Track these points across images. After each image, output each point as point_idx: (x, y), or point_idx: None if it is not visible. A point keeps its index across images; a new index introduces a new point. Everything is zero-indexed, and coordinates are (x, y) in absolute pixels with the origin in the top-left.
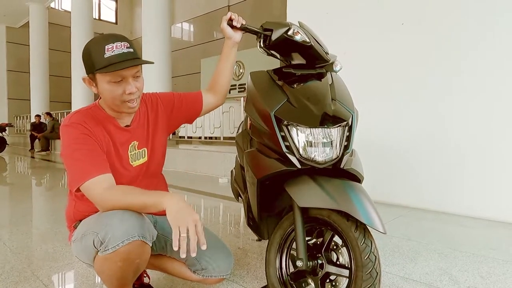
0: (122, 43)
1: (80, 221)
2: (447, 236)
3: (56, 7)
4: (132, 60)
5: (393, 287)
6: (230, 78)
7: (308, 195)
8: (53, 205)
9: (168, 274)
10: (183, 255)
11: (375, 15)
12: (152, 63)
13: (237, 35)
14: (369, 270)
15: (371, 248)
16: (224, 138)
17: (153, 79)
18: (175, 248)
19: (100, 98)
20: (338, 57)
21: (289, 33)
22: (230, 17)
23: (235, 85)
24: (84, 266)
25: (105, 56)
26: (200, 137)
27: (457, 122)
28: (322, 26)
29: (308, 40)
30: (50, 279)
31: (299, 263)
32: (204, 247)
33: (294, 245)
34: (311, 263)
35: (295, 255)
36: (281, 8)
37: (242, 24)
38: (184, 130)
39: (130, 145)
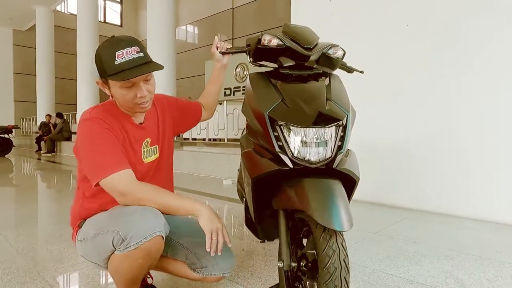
0: (132, 48)
1: (85, 219)
2: (453, 239)
3: (62, 10)
4: (142, 67)
5: None
6: (217, 98)
7: (283, 198)
8: (59, 207)
9: (169, 274)
10: (213, 254)
11: (380, 16)
12: (162, 68)
13: (225, 59)
14: (331, 276)
15: (339, 255)
16: (228, 139)
17: (158, 81)
18: (208, 249)
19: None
20: (337, 43)
21: (263, 43)
22: (216, 44)
23: (239, 87)
24: (89, 267)
25: (116, 63)
26: (204, 139)
27: (463, 124)
28: (326, 27)
29: (281, 42)
30: (56, 280)
31: (279, 264)
32: (229, 245)
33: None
34: (294, 264)
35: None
36: (285, 10)
37: (226, 48)
38: (189, 132)
39: (144, 142)
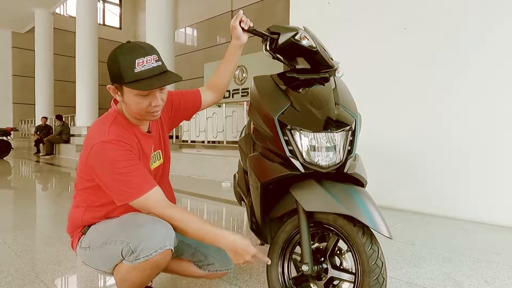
0: (152, 56)
1: (88, 226)
2: (451, 241)
3: (61, 13)
4: (161, 78)
5: None
6: (231, 78)
7: (314, 199)
8: (57, 209)
9: (170, 274)
10: None
11: (377, 19)
12: (181, 79)
13: (244, 37)
14: (376, 276)
15: (377, 254)
16: (227, 142)
17: None
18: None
19: (117, 104)
20: (340, 64)
21: (296, 37)
22: (241, 18)
23: (238, 89)
24: (88, 270)
25: (136, 71)
26: (203, 141)
27: (462, 127)
28: (324, 30)
29: (314, 45)
30: (54, 282)
31: (304, 268)
32: (268, 263)
33: (296, 249)
34: (316, 267)
35: (298, 259)
36: (284, 13)
37: (250, 26)
38: (187, 134)
39: (152, 149)
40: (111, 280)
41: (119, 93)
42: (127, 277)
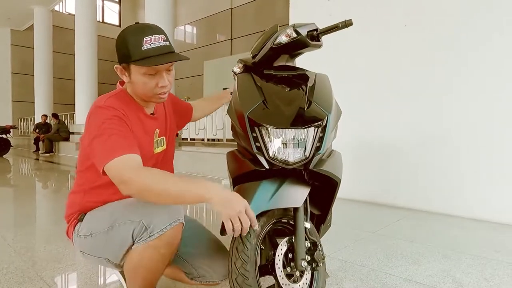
0: (160, 35)
1: (84, 213)
2: (450, 238)
3: (60, 10)
4: (168, 56)
5: None
6: (212, 111)
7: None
8: (57, 206)
9: (168, 279)
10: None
11: (377, 17)
12: (187, 59)
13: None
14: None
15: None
16: (227, 140)
17: None
18: (230, 234)
19: (124, 84)
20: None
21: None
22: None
23: None
24: (88, 267)
25: (143, 48)
26: (202, 139)
27: (461, 124)
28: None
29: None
30: (54, 279)
31: (303, 264)
32: (256, 227)
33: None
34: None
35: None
36: (283, 10)
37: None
38: (187, 132)
39: (155, 132)
40: (111, 277)
41: (126, 73)
42: (141, 262)
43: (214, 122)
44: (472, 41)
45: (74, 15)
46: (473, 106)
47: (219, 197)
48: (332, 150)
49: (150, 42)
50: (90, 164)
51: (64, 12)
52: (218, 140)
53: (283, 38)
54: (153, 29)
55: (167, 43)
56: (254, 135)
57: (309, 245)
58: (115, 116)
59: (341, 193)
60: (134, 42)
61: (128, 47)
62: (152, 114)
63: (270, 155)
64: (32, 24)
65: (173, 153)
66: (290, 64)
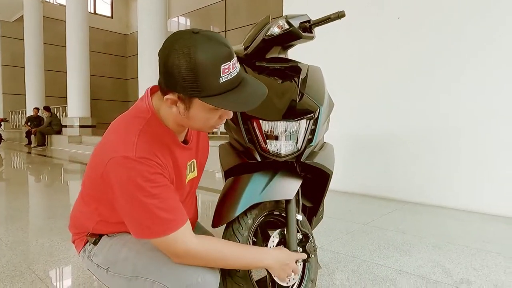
0: (235, 58)
1: (100, 235)
2: (441, 230)
3: (51, 1)
4: (254, 92)
5: (387, 279)
6: None
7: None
8: (49, 200)
9: None
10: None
11: (374, 12)
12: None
13: None
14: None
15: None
16: (221, 133)
17: (149, 76)
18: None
19: (153, 99)
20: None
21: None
22: None
23: None
24: (80, 260)
25: (221, 80)
26: None
27: (453, 118)
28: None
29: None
30: (46, 273)
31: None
32: (304, 257)
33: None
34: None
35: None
36: (277, 3)
37: None
38: None
39: (187, 164)
40: None
41: (183, 105)
42: None
43: None
44: (472, 41)
45: (65, 6)
46: (465, 99)
47: (277, 267)
48: (324, 142)
49: (229, 72)
50: (105, 198)
51: (54, 2)
52: (213, 133)
53: (275, 30)
54: (229, 48)
55: (239, 66)
56: (246, 127)
57: (300, 237)
58: (155, 174)
59: (333, 185)
60: (210, 71)
61: (197, 78)
62: (185, 142)
63: (262, 147)
64: (22, 15)
65: (200, 176)
66: (282, 56)
